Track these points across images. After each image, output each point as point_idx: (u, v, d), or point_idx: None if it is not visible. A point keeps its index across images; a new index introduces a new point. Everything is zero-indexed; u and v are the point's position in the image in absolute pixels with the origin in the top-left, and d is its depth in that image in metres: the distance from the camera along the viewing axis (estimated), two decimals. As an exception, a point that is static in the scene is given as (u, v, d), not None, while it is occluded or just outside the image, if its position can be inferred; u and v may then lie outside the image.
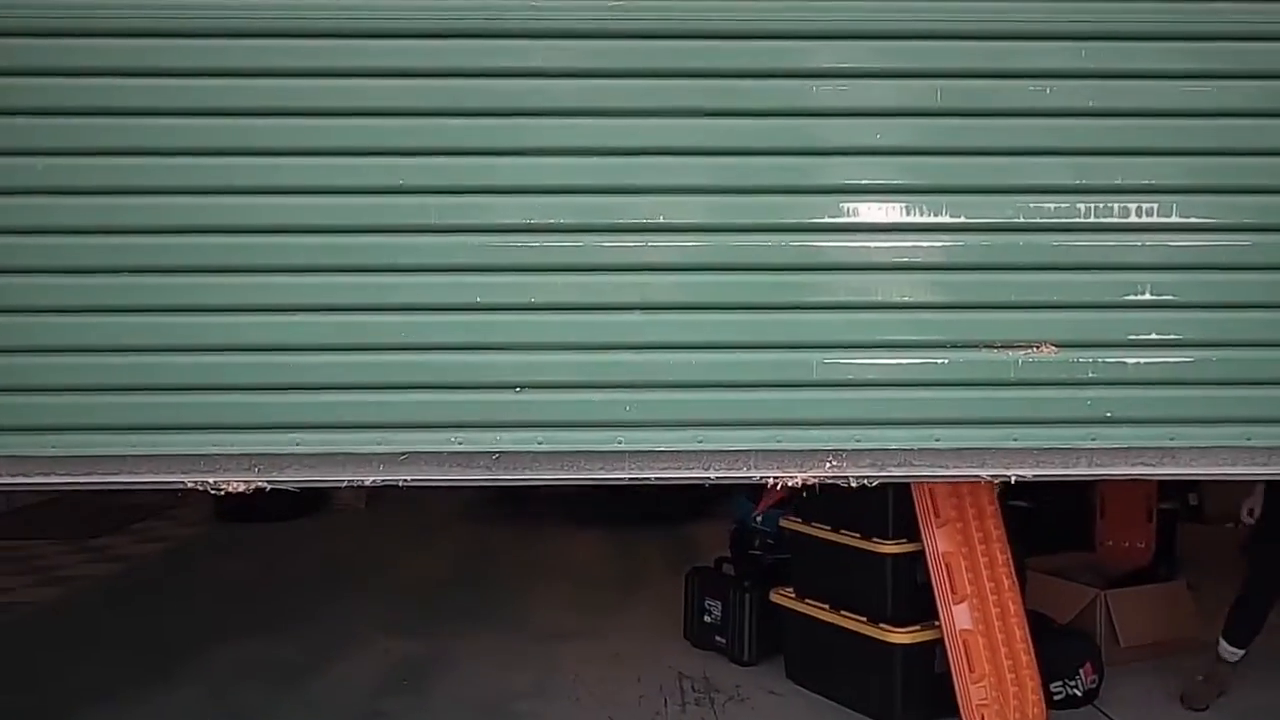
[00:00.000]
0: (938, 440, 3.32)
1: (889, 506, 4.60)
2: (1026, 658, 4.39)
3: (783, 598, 5.23)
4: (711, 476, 3.33)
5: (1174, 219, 3.28)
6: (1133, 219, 3.28)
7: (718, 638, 5.60)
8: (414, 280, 3.25)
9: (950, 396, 3.31)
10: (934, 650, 4.50)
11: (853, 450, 3.32)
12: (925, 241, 3.29)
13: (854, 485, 3.35)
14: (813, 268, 3.29)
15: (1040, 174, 3.28)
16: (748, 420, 3.30)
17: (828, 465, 3.32)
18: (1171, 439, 3.33)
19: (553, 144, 3.23)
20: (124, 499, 10.09)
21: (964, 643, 4.29)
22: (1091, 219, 3.28)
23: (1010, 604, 4.41)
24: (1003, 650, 4.34)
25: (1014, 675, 4.34)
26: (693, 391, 3.30)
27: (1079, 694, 4.86)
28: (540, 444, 3.29)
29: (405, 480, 3.30)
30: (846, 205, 3.27)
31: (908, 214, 3.27)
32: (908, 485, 4.37)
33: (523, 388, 3.28)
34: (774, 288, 3.28)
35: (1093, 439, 3.32)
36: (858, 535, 4.76)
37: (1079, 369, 3.30)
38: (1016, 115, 3.26)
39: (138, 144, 3.19)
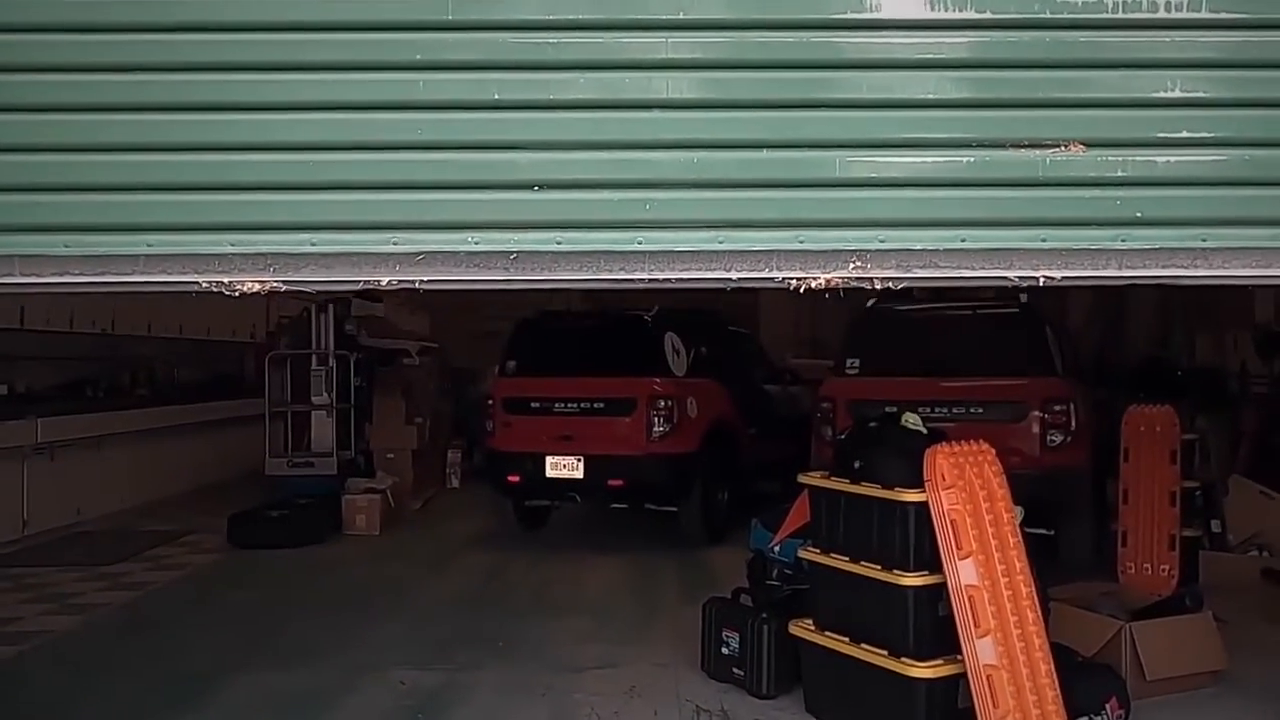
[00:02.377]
0: (964, 241, 3.25)
1: (910, 538, 4.48)
2: (1051, 692, 4.23)
3: (802, 630, 5.09)
4: (733, 278, 3.26)
5: (1204, 14, 3.21)
6: (1161, 14, 3.22)
7: (736, 670, 5.44)
8: (430, 77, 3.21)
9: (976, 196, 3.25)
10: (957, 685, 4.37)
11: (876, 251, 3.25)
12: (950, 38, 3.24)
13: (878, 287, 3.28)
14: (835, 65, 3.24)
15: (1067, -32, 3.21)
16: (770, 220, 3.24)
17: (851, 267, 3.26)
18: (1204, 240, 3.25)
19: (572, -63, 3.19)
20: (137, 525, 9.99)
21: (988, 677, 4.15)
22: (1120, 14, 3.22)
23: (1034, 638, 4.26)
24: (1027, 685, 4.19)
25: (1039, 710, 4.18)
26: (714, 191, 3.24)
27: (1104, 729, 4.67)
28: (559, 244, 3.24)
29: (421, 281, 3.25)
30: (870, 1, 3.22)
31: (932, 10, 3.22)
32: (930, 517, 4.28)
33: (541, 187, 3.23)
34: (796, 85, 3.23)
35: (1123, 240, 3.25)
36: (879, 566, 4.63)
37: (1108, 168, 3.24)
38: (1042, -94, 3.21)
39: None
